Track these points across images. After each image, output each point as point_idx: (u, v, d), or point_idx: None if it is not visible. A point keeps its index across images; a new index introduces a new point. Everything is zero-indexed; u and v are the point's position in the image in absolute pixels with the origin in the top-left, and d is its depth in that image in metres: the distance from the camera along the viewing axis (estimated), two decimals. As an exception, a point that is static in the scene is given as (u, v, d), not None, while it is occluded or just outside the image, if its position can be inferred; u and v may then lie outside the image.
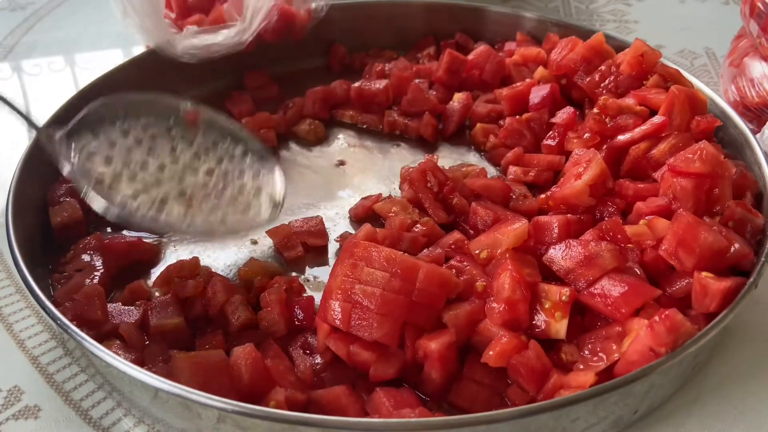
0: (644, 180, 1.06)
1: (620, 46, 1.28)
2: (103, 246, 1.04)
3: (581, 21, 1.76)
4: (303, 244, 1.10)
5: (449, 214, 1.11)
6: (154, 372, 0.81)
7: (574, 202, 1.01)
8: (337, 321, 0.85)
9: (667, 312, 0.79)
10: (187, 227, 0.95)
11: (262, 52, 1.40)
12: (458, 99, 1.35)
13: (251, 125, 1.32)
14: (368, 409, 0.83)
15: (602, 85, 1.22)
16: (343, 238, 1.10)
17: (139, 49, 1.43)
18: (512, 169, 1.19)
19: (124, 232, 1.11)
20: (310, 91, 1.39)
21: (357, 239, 0.94)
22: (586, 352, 0.85)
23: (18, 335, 0.99)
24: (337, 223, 1.16)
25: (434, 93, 1.37)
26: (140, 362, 0.87)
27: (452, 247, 1.00)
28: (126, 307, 0.95)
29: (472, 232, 1.06)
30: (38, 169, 1.10)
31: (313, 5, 1.42)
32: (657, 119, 1.09)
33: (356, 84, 1.38)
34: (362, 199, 1.19)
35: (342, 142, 1.35)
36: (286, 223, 1.13)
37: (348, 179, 1.26)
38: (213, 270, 1.04)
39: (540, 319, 0.87)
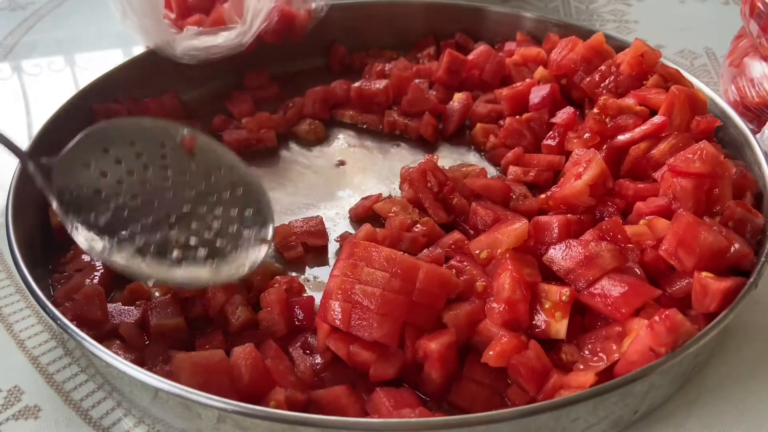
0: (644, 180, 1.06)
1: (620, 46, 1.28)
2: (103, 246, 1.04)
3: (581, 21, 1.76)
4: (303, 245, 1.10)
5: (449, 214, 1.11)
6: (154, 372, 0.81)
7: (574, 202, 1.01)
8: (337, 321, 0.85)
9: (667, 312, 0.79)
10: (172, 279, 0.92)
11: (262, 52, 1.40)
12: (458, 99, 1.35)
13: (251, 125, 1.32)
14: (368, 409, 0.83)
15: (602, 85, 1.22)
16: (343, 238, 1.10)
17: (139, 49, 1.44)
18: (512, 169, 1.19)
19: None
20: (310, 91, 1.39)
21: (357, 239, 0.94)
22: (586, 352, 0.85)
23: (18, 335, 0.99)
24: (337, 223, 1.16)
25: (434, 93, 1.37)
26: (140, 362, 0.87)
27: (452, 247, 1.00)
28: (126, 307, 0.95)
29: (472, 232, 1.06)
30: (38, 168, 1.10)
31: (313, 5, 1.42)
32: (657, 119, 1.09)
33: (356, 84, 1.38)
34: (362, 199, 1.19)
35: (342, 142, 1.35)
36: (286, 223, 1.13)
37: (348, 179, 1.26)
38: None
39: (540, 319, 0.87)
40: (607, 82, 1.22)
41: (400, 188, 1.18)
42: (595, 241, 0.91)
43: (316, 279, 1.07)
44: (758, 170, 1.06)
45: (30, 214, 1.05)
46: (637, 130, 1.09)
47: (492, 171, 1.25)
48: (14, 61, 1.64)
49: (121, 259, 0.90)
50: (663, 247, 0.89)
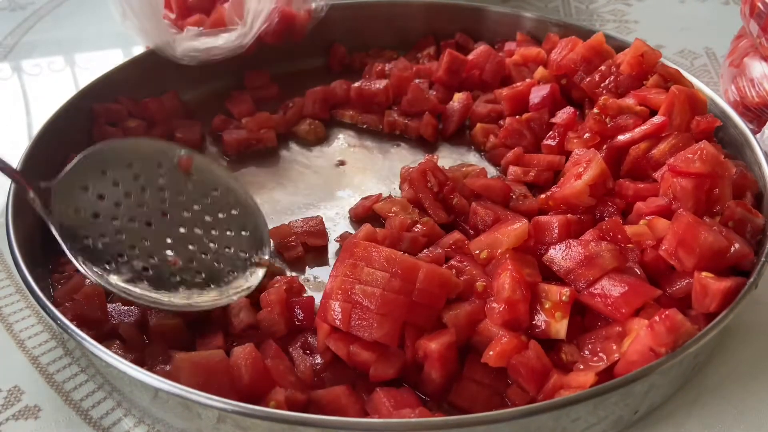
0: (644, 180, 1.06)
1: (620, 46, 1.28)
2: (103, 246, 1.04)
3: (581, 21, 1.76)
4: (303, 245, 1.10)
5: (449, 214, 1.11)
6: (154, 372, 0.81)
7: (574, 202, 1.01)
8: (337, 321, 0.85)
9: (667, 312, 0.79)
10: (170, 303, 0.92)
11: (262, 53, 1.40)
12: (458, 99, 1.35)
13: (251, 125, 1.32)
14: (368, 409, 0.83)
15: (602, 85, 1.22)
16: (343, 238, 1.10)
17: (139, 50, 1.44)
18: (512, 169, 1.19)
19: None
20: (310, 91, 1.39)
21: (357, 239, 0.94)
22: (586, 352, 0.84)
23: (18, 335, 0.99)
24: (337, 223, 1.16)
25: (434, 93, 1.37)
26: (140, 362, 0.87)
27: (452, 247, 1.00)
28: (126, 307, 0.95)
29: (472, 232, 1.06)
30: (38, 168, 1.10)
31: (313, 5, 1.43)
32: (657, 119, 1.09)
33: (356, 84, 1.38)
34: (362, 199, 1.19)
35: (342, 142, 1.35)
36: (286, 223, 1.13)
37: (348, 179, 1.26)
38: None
39: (540, 319, 0.87)
40: (607, 82, 1.22)
41: (400, 188, 1.18)
42: (595, 241, 0.91)
43: (316, 279, 1.06)
44: (758, 170, 1.06)
45: (30, 214, 1.05)
46: (637, 130, 1.09)
47: (492, 171, 1.25)
48: (14, 61, 1.64)
49: (120, 282, 0.91)
50: (663, 247, 0.89)
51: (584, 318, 0.89)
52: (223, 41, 1.31)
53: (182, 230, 0.98)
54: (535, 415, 0.75)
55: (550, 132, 1.22)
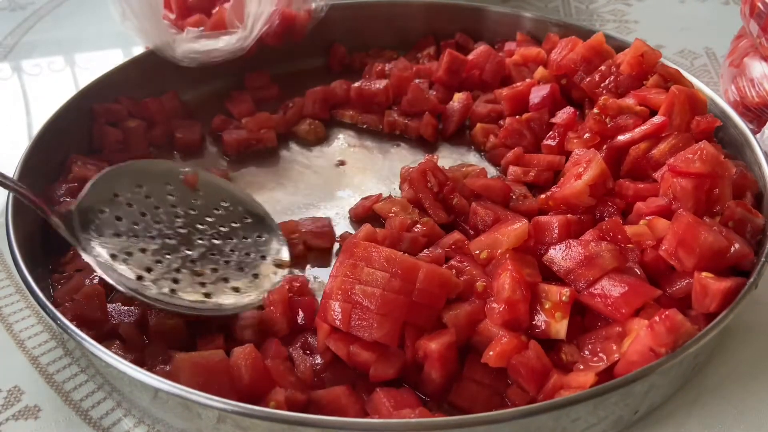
0: (644, 180, 1.06)
1: (620, 46, 1.28)
2: (103, 246, 1.04)
3: (581, 21, 1.76)
4: (304, 243, 1.10)
5: (449, 214, 1.11)
6: (154, 372, 0.81)
7: (574, 202, 1.01)
8: (337, 321, 0.85)
9: (667, 312, 0.79)
10: (202, 308, 0.94)
11: (262, 53, 1.40)
12: (458, 99, 1.35)
13: (251, 125, 1.32)
14: (368, 409, 0.83)
15: (602, 85, 1.22)
16: (343, 238, 1.10)
17: (139, 50, 1.44)
18: (512, 169, 1.19)
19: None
20: (310, 91, 1.39)
21: (357, 239, 0.94)
22: (586, 352, 0.84)
23: (18, 335, 0.99)
24: (337, 223, 1.16)
25: (434, 93, 1.37)
26: (140, 362, 0.87)
27: (452, 247, 1.00)
28: (126, 307, 0.95)
29: (472, 232, 1.06)
30: (38, 169, 1.10)
31: (313, 6, 1.42)
32: (657, 119, 1.09)
33: (356, 84, 1.38)
34: (362, 199, 1.18)
35: (342, 142, 1.35)
36: (296, 219, 1.13)
37: (348, 179, 1.26)
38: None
39: (540, 319, 0.87)
40: (607, 82, 1.22)
41: (400, 188, 1.18)
42: (595, 241, 0.91)
43: (317, 279, 1.06)
44: (758, 170, 1.06)
45: (30, 214, 1.05)
46: (637, 130, 1.09)
47: (492, 171, 1.25)
48: (14, 61, 1.64)
49: (158, 296, 0.92)
50: (663, 247, 0.89)
51: (584, 318, 0.89)
52: (223, 44, 1.32)
53: (202, 242, 1.01)
54: (535, 415, 0.75)
55: (550, 132, 1.22)
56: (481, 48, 1.41)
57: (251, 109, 1.38)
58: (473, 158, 1.30)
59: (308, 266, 1.09)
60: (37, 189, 1.09)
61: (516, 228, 0.94)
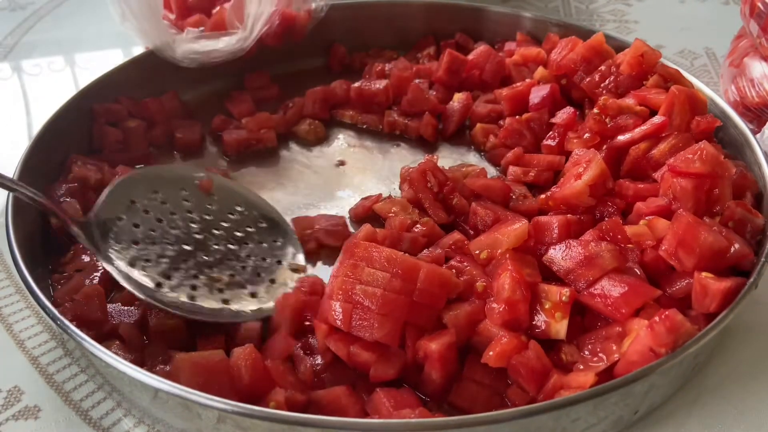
0: (644, 180, 1.06)
1: (620, 46, 1.28)
2: (103, 246, 1.04)
3: (581, 21, 1.76)
4: (317, 240, 1.10)
5: (449, 214, 1.11)
6: (154, 372, 0.81)
7: (574, 203, 1.01)
8: (338, 321, 0.85)
9: (667, 312, 0.79)
10: (217, 316, 0.94)
11: (262, 53, 1.40)
12: (458, 99, 1.35)
13: (251, 125, 1.32)
14: (368, 409, 0.83)
15: (602, 85, 1.22)
16: (343, 238, 1.10)
17: (139, 50, 1.43)
18: (512, 169, 1.19)
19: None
20: (310, 91, 1.39)
21: (357, 239, 0.94)
22: (586, 352, 0.84)
23: (18, 335, 0.99)
24: (337, 224, 1.16)
25: (434, 93, 1.37)
26: (140, 362, 0.87)
27: (452, 247, 1.00)
28: (126, 308, 0.95)
29: (472, 232, 1.06)
30: (38, 169, 1.10)
31: (313, 6, 1.42)
32: (657, 119, 1.09)
33: (356, 84, 1.38)
34: (362, 199, 1.18)
35: (342, 142, 1.35)
36: (312, 215, 1.13)
37: (348, 179, 1.26)
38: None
39: (540, 319, 0.87)
40: (607, 82, 1.22)
41: (400, 188, 1.18)
42: (595, 241, 0.91)
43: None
44: (758, 170, 1.06)
45: (30, 214, 1.05)
46: (637, 130, 1.09)
47: (492, 171, 1.25)
48: (14, 61, 1.64)
49: (178, 303, 0.92)
50: (663, 248, 0.89)
51: (584, 318, 0.89)
52: (223, 44, 1.32)
53: (218, 247, 1.01)
54: (535, 415, 0.75)
55: (550, 132, 1.22)
56: (481, 48, 1.41)
57: (251, 109, 1.38)
58: (473, 158, 1.30)
59: (319, 263, 1.09)
60: (36, 189, 1.10)
61: (516, 228, 0.94)
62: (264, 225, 1.07)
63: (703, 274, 0.86)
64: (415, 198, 1.12)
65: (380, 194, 1.18)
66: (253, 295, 0.98)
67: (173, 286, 0.94)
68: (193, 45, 1.31)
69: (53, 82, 1.57)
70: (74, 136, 1.22)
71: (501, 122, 1.29)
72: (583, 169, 1.02)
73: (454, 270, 0.92)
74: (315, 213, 1.17)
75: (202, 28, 1.35)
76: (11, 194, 1.02)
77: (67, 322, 0.84)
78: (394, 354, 0.86)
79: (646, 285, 0.87)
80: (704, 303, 0.85)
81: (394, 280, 0.84)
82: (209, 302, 0.94)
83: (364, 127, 1.38)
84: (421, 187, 1.12)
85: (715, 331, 0.81)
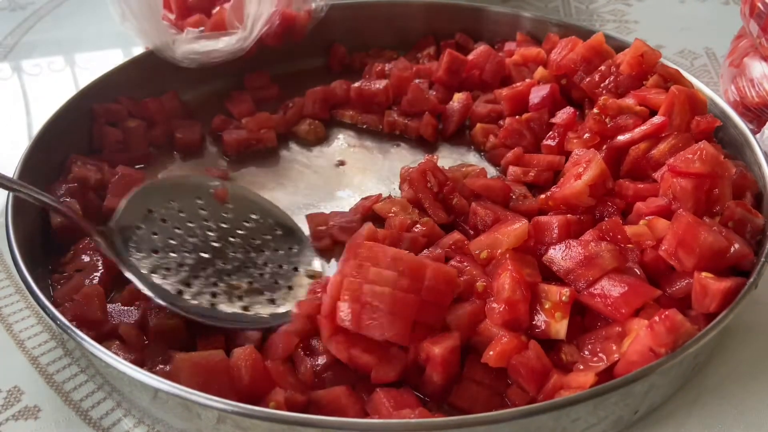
0: (644, 180, 1.06)
1: (620, 46, 1.28)
2: (102, 246, 1.04)
3: (581, 21, 1.76)
4: (331, 236, 1.10)
5: (449, 215, 1.11)
6: (154, 372, 0.81)
7: (574, 203, 1.01)
8: (346, 322, 0.84)
9: (667, 312, 0.79)
10: (238, 322, 0.94)
11: (262, 53, 1.40)
12: (458, 99, 1.35)
13: (251, 125, 1.32)
14: (368, 409, 0.83)
15: (602, 85, 1.22)
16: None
17: (139, 50, 1.43)
18: (512, 169, 1.19)
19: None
20: (310, 91, 1.39)
21: (360, 239, 0.94)
22: (586, 352, 0.84)
23: (18, 335, 0.99)
24: (337, 224, 1.16)
25: (434, 93, 1.37)
26: (140, 363, 0.87)
27: (452, 247, 1.00)
28: (126, 308, 0.95)
29: (472, 232, 1.06)
30: (38, 169, 1.10)
31: (313, 6, 1.42)
32: (657, 119, 1.09)
33: (356, 84, 1.38)
34: (362, 199, 1.18)
35: (342, 142, 1.35)
36: (327, 212, 1.13)
37: (348, 179, 1.26)
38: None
39: (540, 319, 0.87)
40: (607, 82, 1.22)
41: (400, 188, 1.18)
42: (595, 241, 0.91)
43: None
44: (758, 170, 1.06)
45: (30, 214, 1.05)
46: (637, 130, 1.09)
47: (492, 171, 1.25)
48: (14, 61, 1.64)
49: (200, 310, 0.93)
50: (663, 248, 0.89)
51: (584, 318, 0.89)
52: (223, 44, 1.32)
53: (235, 255, 1.02)
54: (535, 415, 0.75)
55: (550, 132, 1.22)
56: (481, 48, 1.41)
57: (251, 109, 1.38)
58: (473, 158, 1.30)
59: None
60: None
61: (516, 228, 0.94)
62: (279, 232, 1.08)
63: (703, 274, 0.86)
64: (415, 198, 1.12)
65: (380, 194, 1.17)
66: (272, 301, 0.98)
67: (194, 293, 0.94)
68: (193, 45, 1.31)
69: (53, 82, 1.57)
70: (74, 136, 1.22)
71: (501, 122, 1.29)
72: (583, 169, 1.02)
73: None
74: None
75: (202, 28, 1.35)
76: (11, 194, 1.02)
77: (67, 322, 0.84)
78: (394, 356, 0.85)
79: (646, 285, 0.87)
80: (704, 303, 0.85)
81: (402, 279, 0.84)
82: (229, 308, 0.94)
83: (364, 127, 1.38)
84: (421, 187, 1.12)
85: (715, 331, 0.81)
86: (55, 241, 1.06)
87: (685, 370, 0.88)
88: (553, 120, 1.22)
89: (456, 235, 1.02)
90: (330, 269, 1.08)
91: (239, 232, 1.05)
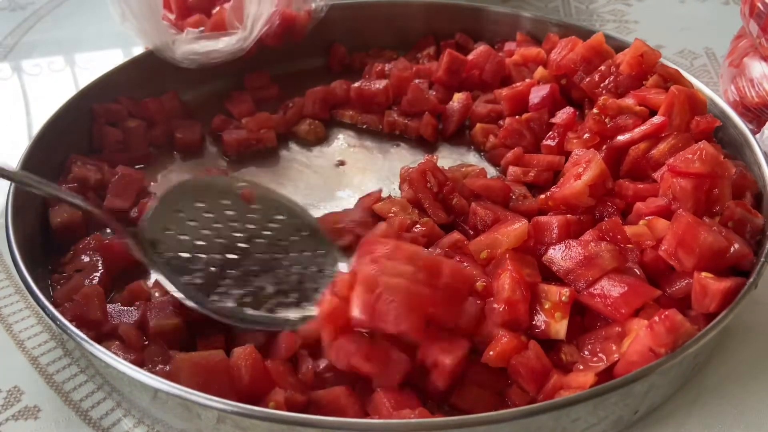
0: (644, 180, 1.06)
1: (620, 46, 1.28)
2: (102, 246, 1.04)
3: (581, 21, 1.75)
4: (352, 233, 1.09)
5: (449, 215, 1.11)
6: (154, 373, 0.81)
7: (574, 203, 1.01)
8: (359, 312, 0.81)
9: (666, 312, 0.79)
10: (265, 324, 0.94)
11: (262, 54, 1.40)
12: (458, 99, 1.35)
13: (251, 125, 1.32)
14: (369, 409, 0.83)
15: (602, 85, 1.22)
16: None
17: (139, 50, 1.43)
18: (512, 169, 1.19)
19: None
20: (310, 91, 1.39)
21: (375, 236, 0.93)
22: (586, 352, 0.84)
23: (18, 335, 0.99)
24: (337, 224, 1.16)
25: (434, 93, 1.37)
26: (140, 363, 0.87)
27: (452, 247, 1.00)
28: (125, 308, 0.95)
29: (471, 232, 1.06)
30: (38, 169, 1.10)
31: (313, 6, 1.42)
32: (657, 119, 1.09)
33: (356, 84, 1.38)
34: (361, 198, 1.18)
35: (342, 142, 1.35)
36: (327, 212, 1.13)
37: (348, 179, 1.26)
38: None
39: (540, 319, 0.87)
40: (606, 82, 1.22)
41: (400, 188, 1.18)
42: (594, 241, 0.91)
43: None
44: (758, 170, 1.06)
45: (30, 214, 1.05)
46: (637, 130, 1.09)
47: (492, 171, 1.25)
48: (14, 61, 1.64)
49: (228, 312, 0.93)
50: (663, 248, 0.89)
51: (584, 318, 0.89)
52: (223, 44, 1.31)
53: (262, 256, 1.01)
54: (535, 415, 0.75)
55: (550, 132, 1.21)
56: (481, 48, 1.41)
57: (251, 109, 1.38)
58: (473, 158, 1.30)
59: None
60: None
61: (516, 228, 0.94)
62: (305, 233, 1.07)
63: (703, 274, 0.86)
64: (415, 198, 1.12)
65: (381, 189, 1.17)
66: (298, 303, 0.97)
67: (221, 294, 0.94)
68: (193, 45, 1.31)
69: (53, 82, 1.57)
70: (74, 136, 1.22)
71: (501, 122, 1.29)
72: (583, 169, 1.02)
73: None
74: (315, 213, 1.17)
75: (201, 28, 1.35)
76: (11, 194, 1.03)
77: (66, 323, 0.84)
78: (397, 362, 0.83)
79: (645, 285, 0.87)
80: (704, 303, 0.85)
81: (419, 274, 0.82)
82: (256, 311, 0.94)
83: (364, 127, 1.38)
84: (421, 187, 1.11)
85: (714, 331, 0.81)
86: (55, 241, 1.06)
87: (685, 370, 0.88)
88: (553, 120, 1.22)
89: (456, 235, 1.02)
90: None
91: (265, 233, 1.04)
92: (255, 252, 1.00)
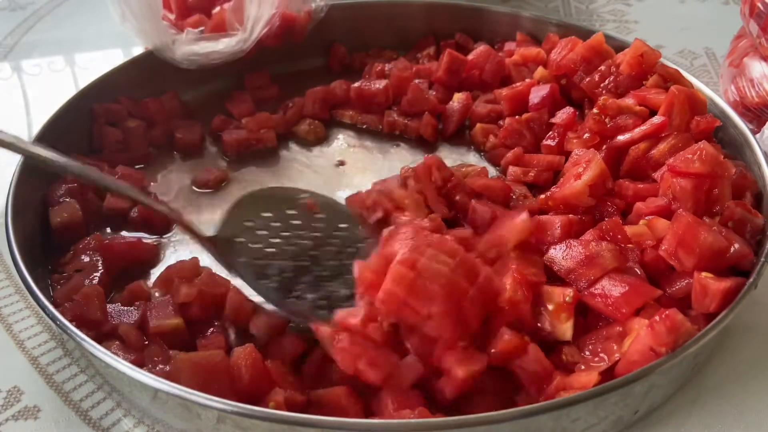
0: (644, 180, 1.06)
1: (620, 46, 1.28)
2: (102, 246, 1.04)
3: (581, 21, 1.75)
4: (381, 206, 1.07)
5: (450, 210, 1.10)
6: (154, 373, 0.81)
7: (574, 203, 1.01)
8: (396, 284, 0.80)
9: (667, 312, 0.79)
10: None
11: (262, 54, 1.40)
12: (458, 99, 1.35)
13: (251, 125, 1.32)
14: (373, 407, 0.83)
15: (602, 85, 1.22)
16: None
17: (139, 50, 1.43)
18: (512, 169, 1.19)
19: (123, 232, 1.12)
20: (310, 91, 1.38)
21: (399, 229, 0.92)
22: (587, 352, 0.84)
23: (18, 335, 0.99)
24: (337, 224, 1.16)
25: (434, 93, 1.37)
26: (140, 363, 0.87)
27: (460, 243, 0.98)
28: (125, 308, 0.95)
29: (471, 229, 1.06)
30: (38, 169, 1.10)
31: (313, 6, 1.42)
32: (657, 119, 1.09)
33: (356, 84, 1.38)
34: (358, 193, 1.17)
35: (342, 142, 1.35)
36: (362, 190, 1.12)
37: (348, 179, 1.26)
38: (213, 271, 1.04)
39: (545, 321, 0.86)
40: (606, 82, 1.22)
41: (401, 188, 1.18)
42: (595, 241, 0.91)
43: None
44: (758, 170, 1.06)
45: (30, 214, 1.05)
46: (637, 130, 1.09)
47: (492, 171, 1.24)
48: (14, 61, 1.64)
49: (304, 310, 0.93)
50: (663, 247, 0.89)
51: (587, 319, 0.89)
52: (223, 46, 1.31)
53: (332, 263, 1.01)
54: (535, 415, 0.75)
55: (550, 132, 1.21)
56: (481, 48, 1.41)
57: (251, 109, 1.38)
58: (473, 158, 1.30)
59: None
60: (37, 190, 1.10)
61: (518, 222, 0.93)
62: (362, 245, 1.06)
63: (703, 274, 0.86)
64: (418, 193, 1.11)
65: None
66: None
67: (297, 297, 0.95)
68: (193, 46, 1.31)
69: (53, 82, 1.57)
70: (74, 136, 1.22)
71: (501, 122, 1.29)
72: (583, 169, 1.02)
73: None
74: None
75: (201, 29, 1.35)
76: (11, 194, 1.02)
77: (66, 323, 0.84)
78: (408, 369, 0.82)
79: (646, 285, 0.87)
80: (704, 303, 0.85)
81: (459, 269, 0.82)
82: (331, 313, 0.93)
83: (364, 127, 1.38)
84: (426, 182, 1.11)
85: (714, 331, 0.81)
86: (55, 241, 1.06)
87: (685, 370, 0.88)
88: (553, 120, 1.21)
89: (464, 231, 0.99)
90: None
91: (332, 240, 1.05)
92: (325, 259, 1.01)
